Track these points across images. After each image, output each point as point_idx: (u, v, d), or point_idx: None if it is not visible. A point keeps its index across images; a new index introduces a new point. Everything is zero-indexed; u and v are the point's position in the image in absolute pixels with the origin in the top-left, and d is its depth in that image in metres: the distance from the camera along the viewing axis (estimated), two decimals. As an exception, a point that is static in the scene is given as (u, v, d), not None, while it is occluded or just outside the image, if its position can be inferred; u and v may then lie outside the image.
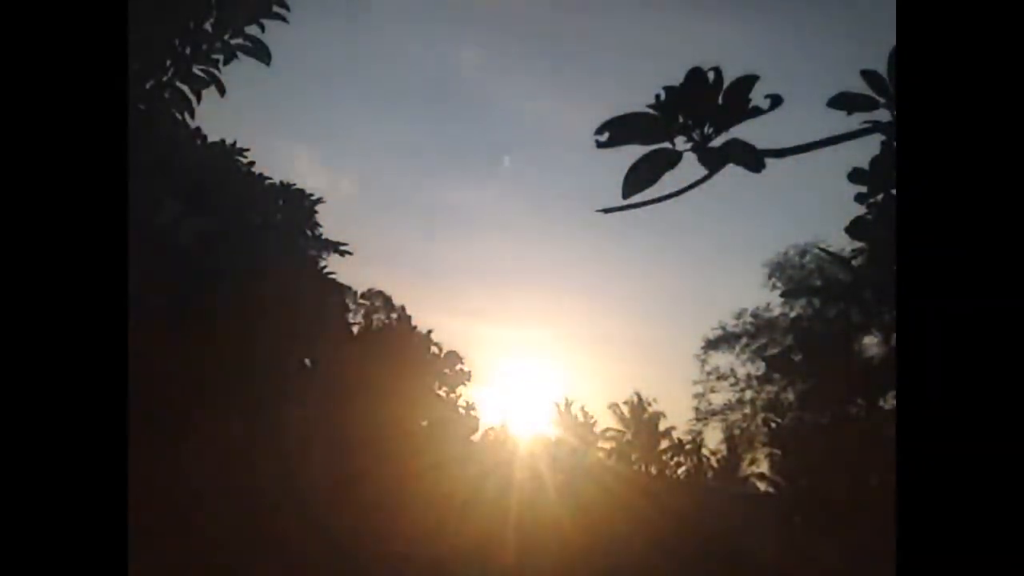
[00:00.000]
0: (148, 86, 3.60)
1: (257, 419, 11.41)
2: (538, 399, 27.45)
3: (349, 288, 15.21)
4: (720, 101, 1.88)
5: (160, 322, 3.55)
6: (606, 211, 1.95)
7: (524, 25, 37.80)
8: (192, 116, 3.81)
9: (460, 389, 14.26)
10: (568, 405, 30.25)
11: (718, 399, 22.52)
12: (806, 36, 32.39)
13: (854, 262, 2.94)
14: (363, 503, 11.29)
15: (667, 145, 1.91)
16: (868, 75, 2.19)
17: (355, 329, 15.06)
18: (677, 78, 1.89)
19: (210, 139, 11.33)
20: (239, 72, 3.82)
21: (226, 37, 3.70)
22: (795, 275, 20.01)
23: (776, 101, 1.87)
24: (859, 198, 2.80)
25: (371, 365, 12.81)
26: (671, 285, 45.09)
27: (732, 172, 1.90)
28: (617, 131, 1.90)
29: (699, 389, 22.77)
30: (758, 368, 21.16)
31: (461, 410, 14.06)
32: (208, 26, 3.66)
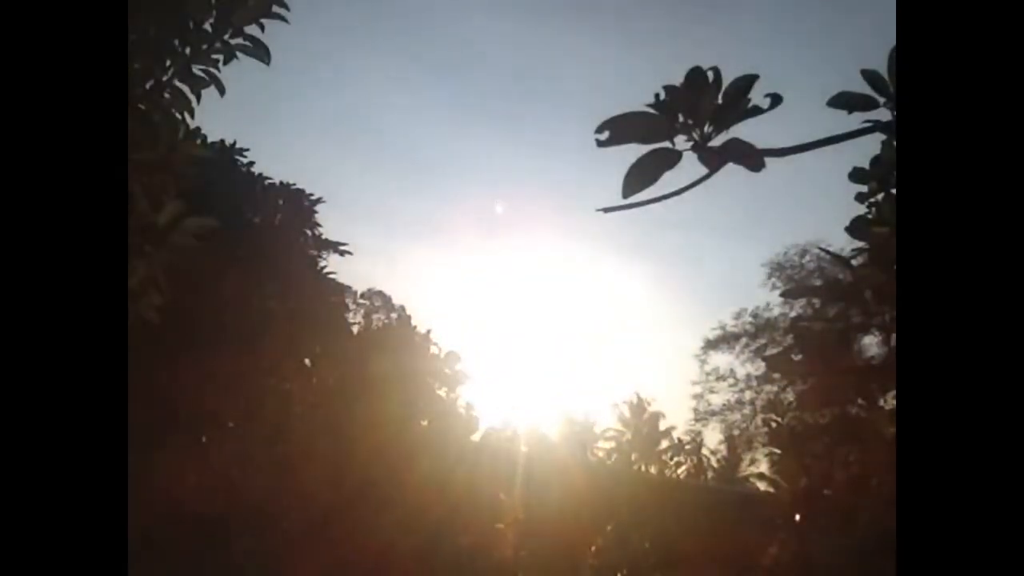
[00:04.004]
0: (148, 86, 3.59)
1: (257, 419, 11.41)
2: (538, 399, 27.44)
3: (349, 288, 15.21)
4: (720, 100, 1.88)
5: (159, 323, 3.54)
6: (606, 210, 1.95)
7: (524, 23, 37.79)
8: (192, 116, 3.80)
9: (460, 389, 14.25)
10: (568, 405, 30.25)
11: (717, 399, 22.53)
12: (806, 36, 32.38)
13: (854, 262, 2.94)
14: (364, 503, 11.28)
15: (667, 144, 1.91)
16: (868, 75, 2.19)
17: (355, 329, 15.05)
18: (677, 78, 1.89)
19: (210, 139, 11.35)
20: (239, 72, 3.83)
21: (226, 37, 3.70)
22: (795, 275, 20.04)
23: (776, 100, 1.87)
24: (859, 198, 2.80)
25: (371, 365, 12.80)
26: (671, 285, 45.12)
27: (732, 172, 1.90)
28: (617, 130, 1.90)
29: (699, 389, 22.78)
30: (758, 368, 21.18)
31: (461, 410, 14.04)
32: (208, 26, 3.65)
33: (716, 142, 1.90)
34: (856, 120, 2.13)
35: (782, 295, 27.87)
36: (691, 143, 1.91)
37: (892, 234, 2.57)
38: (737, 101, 1.87)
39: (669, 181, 1.92)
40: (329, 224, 13.64)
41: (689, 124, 1.90)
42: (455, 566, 12.59)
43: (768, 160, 1.88)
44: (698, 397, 22.93)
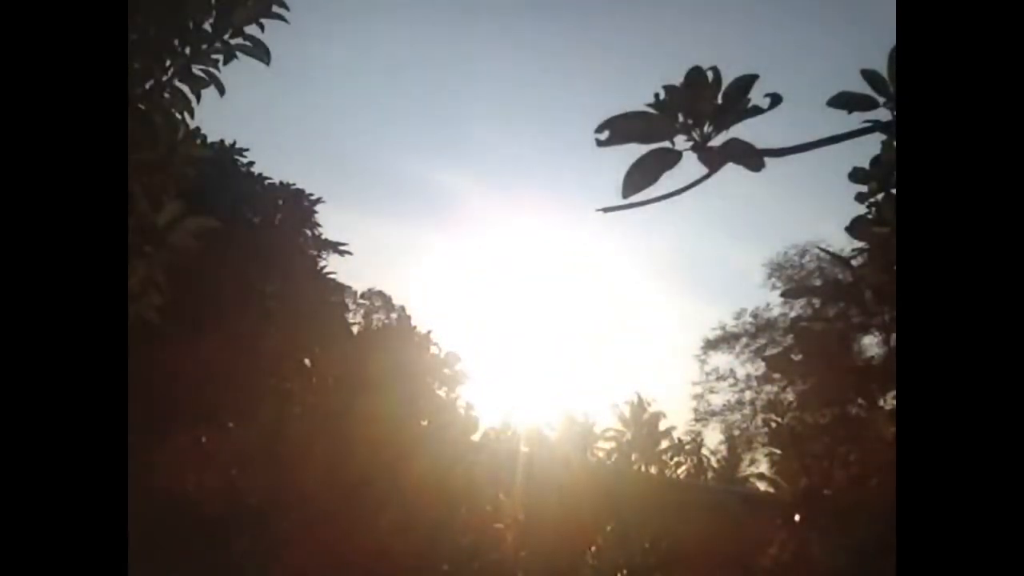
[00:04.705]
0: (148, 86, 3.59)
1: (257, 419, 11.41)
2: (538, 399, 27.44)
3: (349, 288, 15.22)
4: (720, 100, 1.88)
5: (159, 323, 3.55)
6: (606, 210, 1.95)
7: (523, 23, 37.79)
8: (192, 116, 3.81)
9: (460, 389, 14.26)
10: (568, 405, 30.24)
11: (717, 399, 22.52)
12: (806, 36, 32.38)
13: (854, 262, 2.94)
14: (363, 502, 11.29)
15: (667, 144, 1.91)
16: (868, 75, 2.19)
17: (355, 329, 15.06)
18: (677, 78, 1.89)
19: (210, 139, 11.36)
20: (239, 72, 3.83)
21: (226, 37, 3.70)
22: (795, 275, 20.03)
23: (776, 100, 1.87)
24: (859, 198, 2.81)
25: (371, 365, 12.80)
26: (671, 285, 45.14)
27: (732, 172, 1.90)
28: (617, 130, 1.90)
29: (699, 390, 22.77)
30: (758, 368, 21.17)
31: (461, 410, 14.04)
32: (208, 26, 3.65)
33: (716, 142, 1.90)
34: (856, 120, 2.13)
35: (782, 295, 27.88)
36: (691, 143, 1.91)
37: (892, 234, 2.57)
38: (737, 101, 1.87)
39: (669, 181, 1.92)
40: (329, 224, 13.67)
41: (689, 124, 1.90)
42: (455, 566, 12.59)
43: (768, 160, 1.88)
44: (698, 397, 22.92)
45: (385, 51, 37.69)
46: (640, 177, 1.91)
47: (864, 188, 2.78)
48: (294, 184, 13.20)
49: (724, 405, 22.37)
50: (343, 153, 38.50)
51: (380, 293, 17.08)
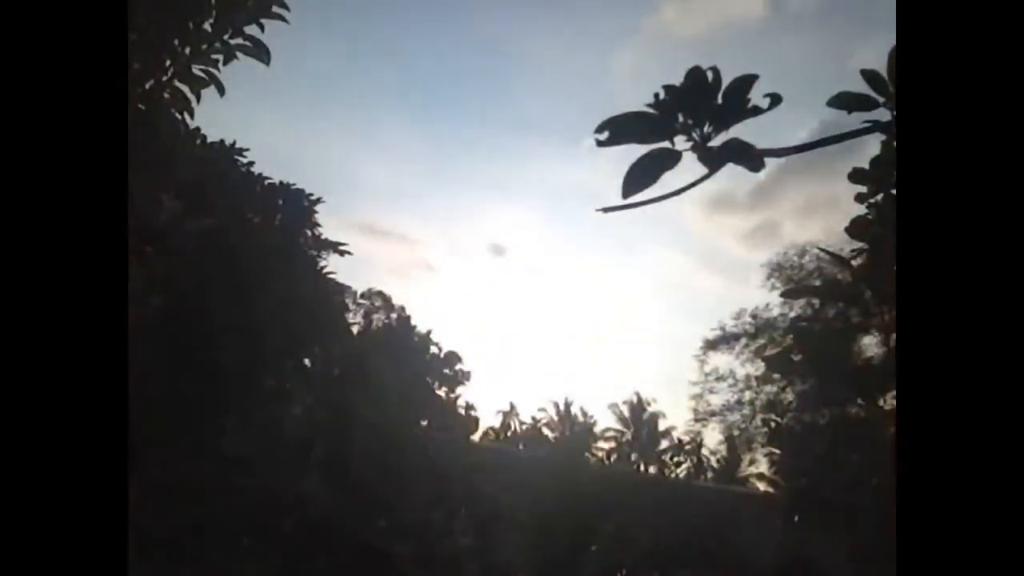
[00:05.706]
0: (148, 86, 3.60)
1: (256, 419, 11.41)
2: (538, 399, 27.45)
3: (349, 288, 15.19)
4: (720, 100, 1.88)
5: (159, 323, 3.55)
6: (606, 210, 1.95)
7: (524, 23, 37.78)
8: (192, 116, 3.81)
9: (460, 389, 14.24)
10: (568, 405, 30.26)
11: (717, 400, 22.54)
12: (806, 36, 32.36)
13: (854, 262, 2.94)
14: (362, 503, 11.29)
15: (667, 144, 1.91)
16: (868, 75, 2.20)
17: (355, 329, 15.05)
18: (677, 78, 1.89)
19: (210, 139, 11.34)
20: (239, 72, 3.83)
21: (226, 37, 3.70)
22: (794, 275, 20.04)
23: (776, 100, 1.87)
24: (859, 198, 2.81)
25: (371, 365, 12.79)
26: (671, 285, 45.16)
27: (732, 172, 1.90)
28: (617, 130, 1.90)
29: (698, 390, 22.79)
30: (757, 368, 21.18)
31: (461, 410, 14.03)
32: (208, 26, 3.66)
33: (716, 142, 1.90)
34: (856, 120, 2.13)
35: (782, 295, 27.89)
36: (691, 143, 1.91)
37: (892, 234, 2.57)
38: (737, 101, 1.87)
39: (669, 181, 1.92)
40: (329, 224, 13.66)
41: (689, 124, 1.90)
42: (455, 566, 12.59)
43: (768, 160, 1.88)
44: (698, 397, 22.94)
45: (385, 51, 37.66)
46: (640, 177, 1.91)
47: (864, 188, 2.78)
48: (294, 184, 13.18)
49: (724, 405, 22.40)
50: (343, 153, 38.49)
51: (380, 293, 17.07)
